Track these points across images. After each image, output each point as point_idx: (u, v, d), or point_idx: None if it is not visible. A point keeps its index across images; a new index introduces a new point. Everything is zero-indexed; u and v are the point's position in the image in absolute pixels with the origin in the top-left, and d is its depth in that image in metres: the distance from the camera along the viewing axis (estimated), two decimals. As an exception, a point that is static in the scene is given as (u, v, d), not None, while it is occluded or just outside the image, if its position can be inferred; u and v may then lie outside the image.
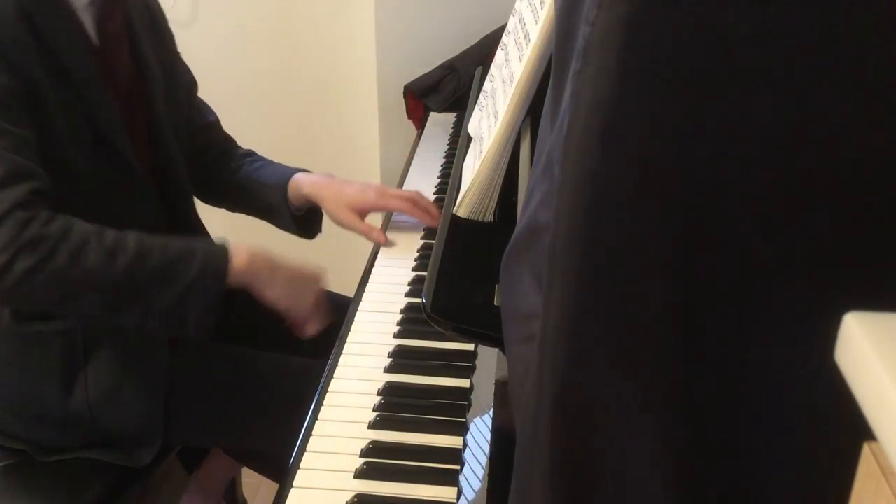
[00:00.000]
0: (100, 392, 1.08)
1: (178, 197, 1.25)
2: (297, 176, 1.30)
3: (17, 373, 1.10)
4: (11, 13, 0.98)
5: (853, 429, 0.30)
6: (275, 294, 1.08)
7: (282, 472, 0.83)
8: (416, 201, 1.28)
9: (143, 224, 1.12)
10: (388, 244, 1.24)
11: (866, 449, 0.31)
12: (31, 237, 0.93)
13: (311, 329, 1.14)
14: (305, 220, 1.33)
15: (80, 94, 1.04)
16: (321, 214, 1.36)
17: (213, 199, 1.40)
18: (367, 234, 1.26)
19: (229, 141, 1.41)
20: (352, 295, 1.16)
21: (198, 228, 1.30)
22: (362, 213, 1.26)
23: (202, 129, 1.35)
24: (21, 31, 0.99)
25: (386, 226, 1.30)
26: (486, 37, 1.83)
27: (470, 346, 0.99)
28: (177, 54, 1.32)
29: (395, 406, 0.90)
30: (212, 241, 1.07)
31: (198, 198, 1.37)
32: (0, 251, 0.91)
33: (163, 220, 1.18)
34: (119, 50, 1.13)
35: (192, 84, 1.36)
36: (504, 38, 1.19)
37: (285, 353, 1.19)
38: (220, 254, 1.04)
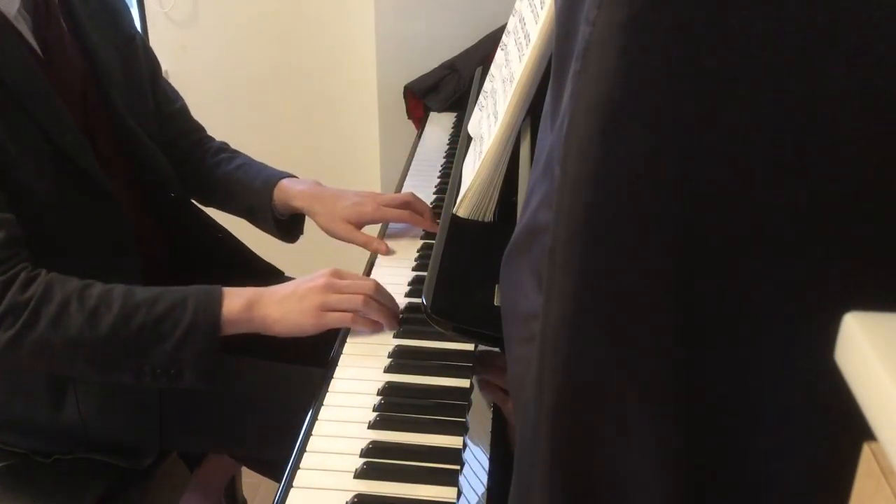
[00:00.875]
0: (91, 408, 1.07)
1: (164, 193, 1.21)
2: (284, 183, 1.27)
3: (5, 394, 1.08)
4: None
5: (853, 429, 0.30)
6: (279, 326, 0.99)
7: (281, 472, 0.83)
8: (411, 204, 1.25)
9: (110, 232, 1.10)
10: (389, 253, 1.22)
11: (866, 449, 0.31)
12: (9, 306, 0.90)
13: (366, 325, 1.01)
14: (288, 224, 1.31)
15: (30, 112, 0.99)
16: (304, 219, 1.34)
17: (190, 193, 1.34)
18: (366, 246, 1.23)
19: (200, 130, 1.37)
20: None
21: (198, 221, 1.27)
22: (359, 225, 1.24)
23: (170, 116, 1.30)
24: None
25: (384, 229, 1.29)
26: (486, 37, 1.84)
27: (470, 346, 0.99)
28: (136, 36, 1.24)
29: (395, 406, 0.90)
30: (206, 287, 0.99)
31: None
32: None
33: (130, 221, 1.14)
34: (65, 54, 1.07)
35: (155, 67, 1.29)
36: (504, 38, 1.19)
37: (282, 361, 1.18)
38: (213, 302, 0.97)
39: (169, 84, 1.34)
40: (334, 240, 1.27)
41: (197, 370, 0.96)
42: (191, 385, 0.97)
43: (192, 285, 0.99)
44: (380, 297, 1.02)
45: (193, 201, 1.33)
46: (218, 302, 0.97)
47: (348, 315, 0.99)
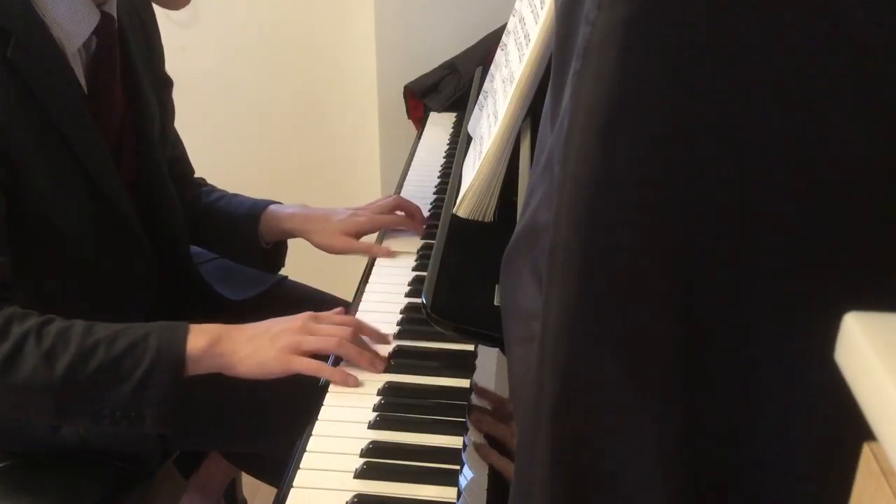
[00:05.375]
0: (90, 427, 1.06)
1: (172, 244, 1.19)
2: (272, 209, 1.26)
3: (3, 417, 1.07)
4: None
5: (853, 429, 0.30)
6: (245, 364, 0.92)
7: (278, 475, 0.83)
8: (401, 207, 1.26)
9: (132, 273, 1.09)
10: (393, 255, 1.21)
11: (866, 449, 0.31)
12: None
13: (334, 375, 0.93)
14: (272, 254, 1.30)
15: (72, 149, 0.96)
16: (286, 249, 1.33)
17: None
18: (368, 253, 1.22)
19: (191, 175, 1.35)
20: (352, 295, 1.16)
21: (192, 270, 1.24)
22: (356, 236, 1.24)
23: (171, 162, 1.27)
24: (8, 87, 0.90)
25: (383, 233, 1.29)
26: (486, 37, 1.83)
27: (470, 346, 0.99)
28: (169, 80, 1.24)
29: (395, 406, 0.90)
30: (171, 323, 0.93)
31: None
32: None
33: (154, 269, 1.13)
34: (111, 96, 1.05)
35: (173, 110, 1.28)
36: (504, 38, 1.19)
37: None
38: (177, 339, 0.90)
39: (175, 130, 1.32)
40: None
41: (159, 412, 0.90)
42: (152, 429, 0.91)
43: (157, 321, 0.94)
44: (359, 339, 0.97)
45: (195, 264, 1.29)
46: (183, 339, 0.91)
47: (316, 364, 0.93)
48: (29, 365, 0.86)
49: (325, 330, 0.95)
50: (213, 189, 1.34)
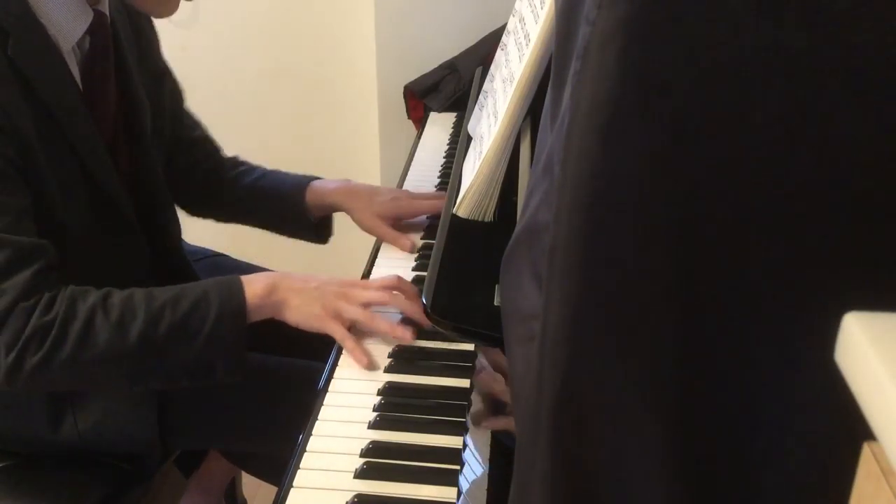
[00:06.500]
0: (89, 425, 1.07)
1: (165, 237, 1.20)
2: (316, 184, 1.29)
3: (2, 416, 1.08)
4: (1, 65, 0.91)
5: (853, 429, 0.30)
6: (294, 313, 1.00)
7: (279, 476, 0.83)
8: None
9: (130, 268, 1.10)
10: (413, 250, 1.23)
11: (866, 449, 0.31)
12: (34, 329, 0.88)
13: (354, 352, 0.98)
14: (320, 226, 1.33)
15: (71, 146, 0.99)
16: (332, 219, 1.35)
17: (211, 213, 1.36)
18: (394, 242, 1.24)
19: (217, 151, 1.37)
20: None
21: (184, 266, 1.25)
22: (395, 220, 1.26)
23: (188, 146, 1.31)
24: (11, 84, 0.92)
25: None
26: (486, 37, 1.83)
27: (470, 346, 0.99)
28: (165, 70, 1.25)
29: (395, 406, 0.90)
30: (223, 279, 1.00)
31: (191, 212, 1.35)
32: (7, 350, 0.87)
33: (148, 262, 1.14)
34: (106, 92, 1.07)
35: (179, 97, 1.30)
36: (504, 38, 1.19)
37: (284, 355, 1.18)
38: (235, 291, 0.97)
39: (189, 114, 1.33)
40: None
41: (229, 362, 0.96)
42: (223, 378, 0.97)
43: (209, 279, 0.99)
44: (401, 301, 1.02)
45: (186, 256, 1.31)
46: (240, 290, 0.97)
47: (342, 333, 0.99)
48: (103, 338, 0.90)
49: (363, 298, 1.01)
50: (253, 167, 1.36)
